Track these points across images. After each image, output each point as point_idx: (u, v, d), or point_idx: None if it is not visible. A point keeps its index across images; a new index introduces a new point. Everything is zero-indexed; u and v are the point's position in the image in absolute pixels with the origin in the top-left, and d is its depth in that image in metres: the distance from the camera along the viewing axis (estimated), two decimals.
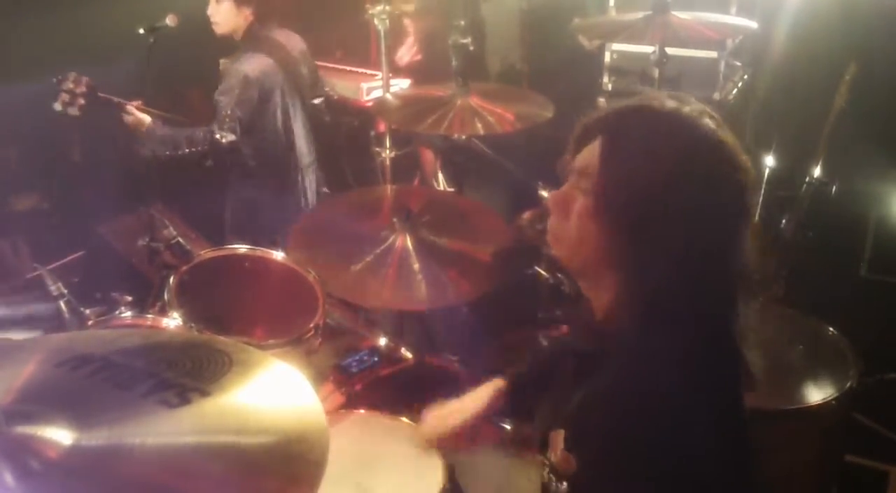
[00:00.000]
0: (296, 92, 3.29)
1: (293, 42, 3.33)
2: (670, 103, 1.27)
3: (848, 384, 2.18)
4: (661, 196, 1.19)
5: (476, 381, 2.03)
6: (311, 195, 3.31)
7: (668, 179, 1.19)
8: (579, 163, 1.30)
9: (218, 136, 3.08)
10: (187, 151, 3.09)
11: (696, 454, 1.15)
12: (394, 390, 2.21)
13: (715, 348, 1.22)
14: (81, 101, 3.02)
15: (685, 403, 1.15)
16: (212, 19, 3.18)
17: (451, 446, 1.77)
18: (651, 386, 1.16)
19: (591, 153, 1.28)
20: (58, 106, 3.02)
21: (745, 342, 1.25)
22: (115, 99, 3.12)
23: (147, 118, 3.14)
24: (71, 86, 3.02)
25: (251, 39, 3.20)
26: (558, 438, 1.36)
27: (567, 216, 1.29)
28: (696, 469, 1.15)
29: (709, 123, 1.24)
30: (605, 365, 1.26)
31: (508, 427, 1.95)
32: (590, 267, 1.30)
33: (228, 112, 3.08)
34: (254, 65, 3.14)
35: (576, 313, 1.43)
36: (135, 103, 3.14)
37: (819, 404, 2.19)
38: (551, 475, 1.40)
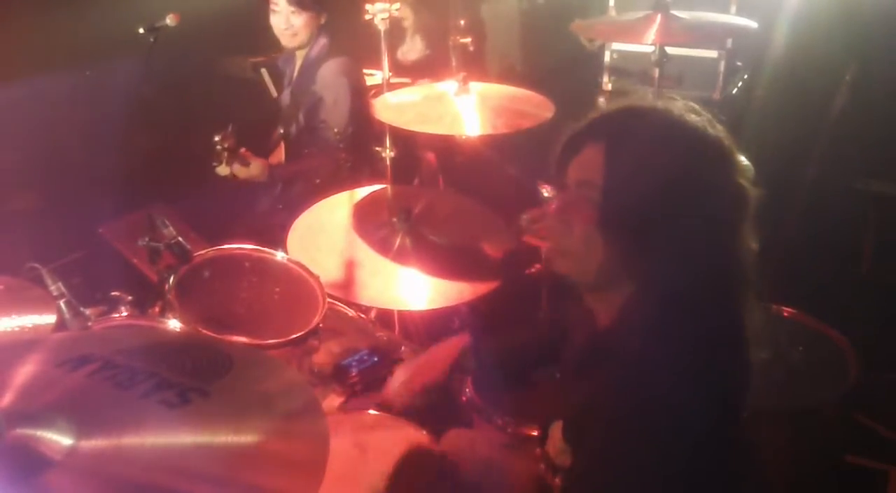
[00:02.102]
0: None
1: None
2: (659, 104, 1.27)
3: (848, 385, 2.19)
4: (667, 201, 1.18)
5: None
6: None
7: (672, 183, 1.19)
8: (578, 173, 1.28)
9: (344, 163, 2.93)
10: (306, 189, 2.92)
11: (693, 457, 1.15)
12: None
13: (720, 351, 1.22)
14: (227, 155, 2.87)
15: (687, 406, 1.15)
16: (288, 32, 3.06)
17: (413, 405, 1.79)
18: (654, 389, 1.16)
19: (589, 162, 1.26)
20: (223, 169, 2.88)
21: (750, 347, 1.25)
22: (242, 150, 2.96)
23: (265, 163, 3.01)
24: (230, 143, 2.85)
25: (330, 48, 3.09)
26: (557, 431, 1.36)
27: (570, 230, 1.27)
28: (691, 472, 1.15)
29: (696, 120, 1.24)
30: (610, 364, 1.26)
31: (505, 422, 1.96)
32: (600, 278, 1.28)
33: (341, 130, 2.96)
34: (350, 72, 3.05)
35: (578, 315, 1.42)
36: (243, 151, 2.99)
37: (819, 404, 2.19)
38: (547, 468, 1.41)
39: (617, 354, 1.25)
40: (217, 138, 2.84)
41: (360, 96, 3.09)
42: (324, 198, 2.59)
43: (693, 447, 1.14)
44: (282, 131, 3.29)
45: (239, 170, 2.96)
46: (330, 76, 3.06)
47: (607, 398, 1.23)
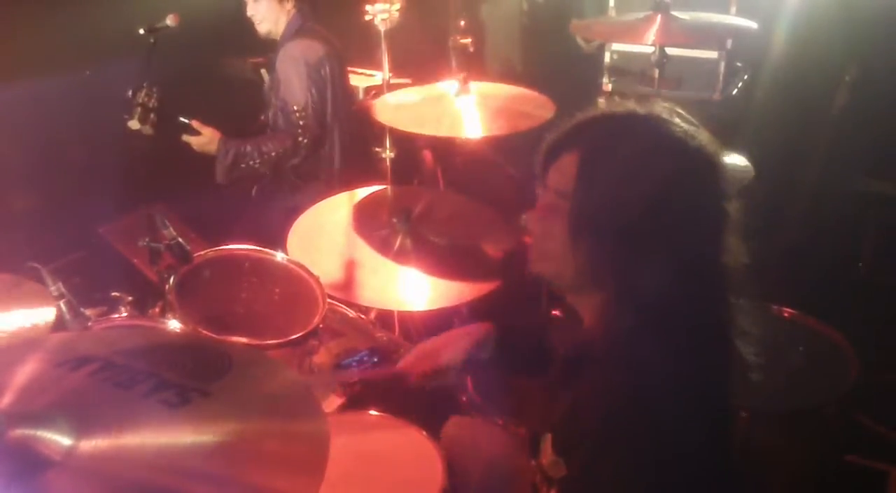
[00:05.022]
0: (345, 92, 3.24)
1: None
2: (635, 108, 1.26)
3: (848, 385, 2.18)
4: (643, 213, 1.18)
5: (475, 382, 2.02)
6: None
7: (648, 196, 1.18)
8: (555, 180, 1.28)
9: (300, 139, 3.03)
10: (261, 161, 3.01)
11: (684, 461, 1.14)
12: (393, 391, 2.21)
13: (705, 354, 1.21)
14: (153, 116, 2.84)
15: (674, 410, 1.15)
16: (254, 19, 3.15)
17: (431, 381, 1.71)
18: (640, 394, 1.16)
19: (565, 170, 1.26)
20: (134, 123, 2.81)
21: (740, 344, 1.24)
22: (183, 118, 3.01)
23: (216, 133, 3.02)
24: (144, 99, 2.83)
25: (296, 31, 3.14)
26: (548, 442, 1.36)
27: (549, 235, 1.28)
28: (684, 475, 1.15)
29: (678, 130, 1.23)
30: (592, 371, 1.25)
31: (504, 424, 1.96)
32: (576, 281, 1.29)
33: (301, 107, 3.02)
34: (307, 52, 3.07)
35: (567, 316, 1.42)
36: (193, 121, 3.02)
37: (819, 405, 2.19)
38: (542, 480, 1.40)
39: (599, 359, 1.24)
40: (130, 92, 2.82)
41: (319, 74, 3.08)
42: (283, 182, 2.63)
43: (682, 450, 1.14)
44: (262, 117, 3.32)
45: (190, 139, 3.00)
46: (284, 56, 3.09)
47: (593, 405, 1.22)
